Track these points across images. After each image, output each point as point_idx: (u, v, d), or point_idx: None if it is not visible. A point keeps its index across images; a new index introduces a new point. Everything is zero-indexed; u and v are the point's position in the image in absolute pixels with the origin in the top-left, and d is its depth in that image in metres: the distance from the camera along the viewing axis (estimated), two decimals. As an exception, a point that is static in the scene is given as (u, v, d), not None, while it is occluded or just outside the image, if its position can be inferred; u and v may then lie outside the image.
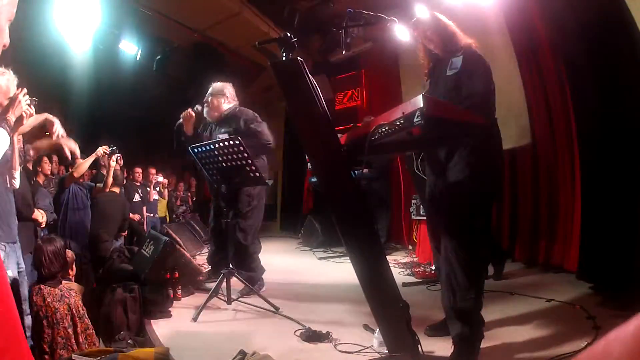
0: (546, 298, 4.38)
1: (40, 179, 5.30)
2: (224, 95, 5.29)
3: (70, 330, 3.30)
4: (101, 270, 5.40)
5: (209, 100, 5.29)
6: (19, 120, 2.97)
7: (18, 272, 3.32)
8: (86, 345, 3.32)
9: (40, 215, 4.51)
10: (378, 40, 8.45)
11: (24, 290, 3.36)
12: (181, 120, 5.29)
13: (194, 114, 5.25)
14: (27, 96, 3.01)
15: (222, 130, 5.14)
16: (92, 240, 5.83)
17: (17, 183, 3.32)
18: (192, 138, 5.19)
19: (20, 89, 3.02)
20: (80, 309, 3.45)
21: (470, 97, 2.95)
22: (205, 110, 5.31)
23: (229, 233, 4.89)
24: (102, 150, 5.51)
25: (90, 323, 3.51)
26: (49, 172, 5.69)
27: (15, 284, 3.17)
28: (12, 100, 2.96)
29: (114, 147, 5.62)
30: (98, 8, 7.02)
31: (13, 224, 3.39)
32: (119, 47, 8.48)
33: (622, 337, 0.55)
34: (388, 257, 6.65)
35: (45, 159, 5.38)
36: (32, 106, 3.06)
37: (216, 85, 5.38)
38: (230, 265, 4.58)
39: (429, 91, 3.29)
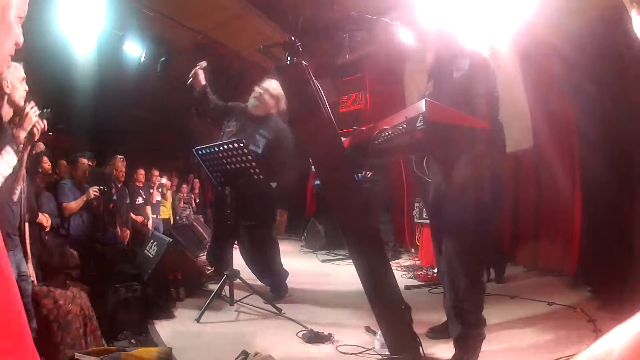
0: (547, 301, 4.39)
1: (40, 179, 5.30)
2: (280, 100, 4.97)
3: (81, 331, 3.31)
4: (104, 270, 5.44)
5: (262, 96, 5.00)
6: (31, 135, 2.97)
7: (20, 277, 3.33)
8: (93, 345, 3.33)
9: (44, 220, 4.52)
10: (382, 44, 8.45)
11: (28, 295, 3.37)
12: (191, 79, 5.09)
13: (200, 71, 5.07)
14: (35, 109, 2.98)
15: (261, 130, 4.88)
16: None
17: (15, 197, 3.29)
18: (207, 97, 5.13)
19: (28, 103, 2.99)
20: (90, 310, 3.47)
21: (476, 100, 2.96)
22: (251, 103, 5.03)
23: (251, 238, 4.94)
24: (92, 193, 5.52)
25: (97, 324, 3.53)
26: (49, 171, 5.70)
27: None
28: (21, 116, 2.88)
29: (102, 187, 5.67)
30: (102, 9, 7.04)
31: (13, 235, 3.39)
32: (122, 48, 8.49)
33: (624, 336, 0.57)
34: (393, 261, 6.72)
35: (45, 158, 5.40)
36: (43, 120, 3.02)
37: (275, 86, 4.94)
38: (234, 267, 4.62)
39: (432, 92, 3.30)
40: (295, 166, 5.05)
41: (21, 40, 1.21)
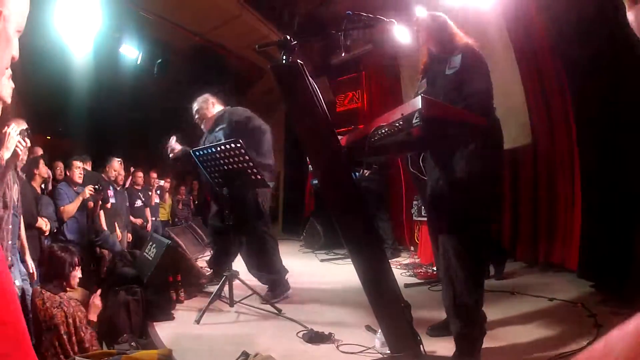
0: (548, 297, 4.39)
1: (36, 183, 5.29)
2: (208, 102, 5.33)
3: (65, 337, 3.30)
4: (104, 273, 5.44)
5: (199, 113, 5.34)
6: (14, 155, 2.94)
7: (22, 280, 3.34)
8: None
9: (44, 224, 4.51)
10: (378, 42, 8.46)
11: (27, 298, 3.37)
12: (170, 154, 5.41)
13: (174, 145, 5.40)
14: (15, 128, 2.95)
15: (217, 129, 5.09)
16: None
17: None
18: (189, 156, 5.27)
19: (8, 125, 2.96)
20: (78, 320, 3.43)
21: (470, 96, 2.96)
22: (202, 125, 5.36)
23: (247, 238, 4.92)
24: (87, 192, 5.53)
25: (87, 337, 3.48)
26: (46, 175, 5.69)
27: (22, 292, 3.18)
28: (3, 136, 2.89)
29: (98, 187, 5.70)
30: (99, 12, 7.03)
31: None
32: (119, 51, 8.48)
33: (623, 335, 0.56)
34: (392, 259, 6.72)
35: (42, 161, 5.38)
36: (25, 139, 3.01)
37: (198, 98, 5.42)
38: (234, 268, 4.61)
39: (426, 90, 3.30)
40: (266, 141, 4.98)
41: (17, 54, 1.21)
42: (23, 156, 3.13)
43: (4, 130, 2.91)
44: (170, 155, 5.37)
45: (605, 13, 4.16)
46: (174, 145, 5.39)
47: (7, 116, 3.18)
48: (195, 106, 5.37)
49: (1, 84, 1.23)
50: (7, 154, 2.85)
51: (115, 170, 7.04)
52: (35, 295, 3.38)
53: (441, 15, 3.34)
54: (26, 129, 3.08)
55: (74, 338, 3.34)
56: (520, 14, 5.80)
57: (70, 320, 3.35)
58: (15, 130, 2.91)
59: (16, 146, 2.92)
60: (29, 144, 3.05)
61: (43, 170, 5.38)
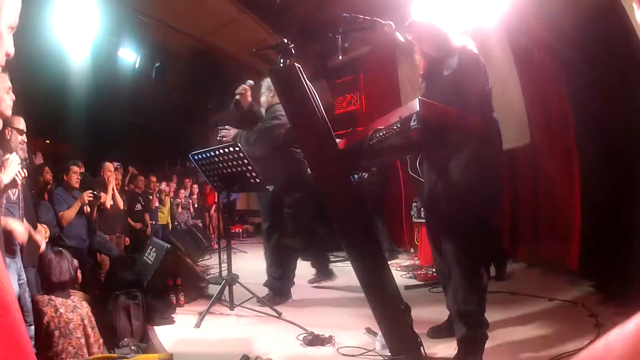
0: (548, 297, 4.39)
1: (39, 189, 5.28)
2: (270, 90, 4.90)
3: (82, 341, 3.29)
4: (104, 277, 5.43)
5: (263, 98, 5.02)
6: (12, 183, 2.94)
7: (19, 284, 3.33)
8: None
9: (43, 231, 4.50)
10: (376, 44, 8.45)
11: (26, 302, 3.36)
12: (237, 97, 4.93)
13: (248, 88, 4.90)
14: (17, 158, 2.96)
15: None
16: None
17: None
18: (253, 114, 4.94)
19: (10, 153, 2.97)
20: (91, 320, 3.45)
21: (467, 97, 2.95)
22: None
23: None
24: (86, 197, 5.51)
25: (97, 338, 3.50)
26: (50, 182, 5.68)
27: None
28: (5, 163, 2.86)
29: (97, 192, 5.69)
30: (97, 16, 7.03)
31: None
32: (117, 54, 8.49)
33: (623, 335, 0.57)
34: (391, 261, 6.71)
35: (47, 168, 5.37)
36: (24, 169, 3.01)
37: (267, 82, 4.93)
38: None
39: (424, 93, 3.30)
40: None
41: (12, 50, 1.20)
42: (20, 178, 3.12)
43: (5, 157, 2.92)
44: (237, 97, 4.93)
45: (604, 13, 4.16)
46: (248, 92, 4.92)
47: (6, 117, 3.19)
48: (263, 89, 4.98)
49: (1, 98, 1.23)
50: (5, 179, 2.85)
51: (109, 172, 7.03)
52: (44, 304, 3.37)
53: (435, 16, 3.32)
54: (27, 160, 3.09)
55: (92, 339, 3.35)
56: (518, 14, 5.79)
57: (87, 322, 3.36)
58: (17, 160, 2.92)
59: (15, 175, 2.92)
60: (26, 175, 3.05)
61: (47, 177, 5.38)
